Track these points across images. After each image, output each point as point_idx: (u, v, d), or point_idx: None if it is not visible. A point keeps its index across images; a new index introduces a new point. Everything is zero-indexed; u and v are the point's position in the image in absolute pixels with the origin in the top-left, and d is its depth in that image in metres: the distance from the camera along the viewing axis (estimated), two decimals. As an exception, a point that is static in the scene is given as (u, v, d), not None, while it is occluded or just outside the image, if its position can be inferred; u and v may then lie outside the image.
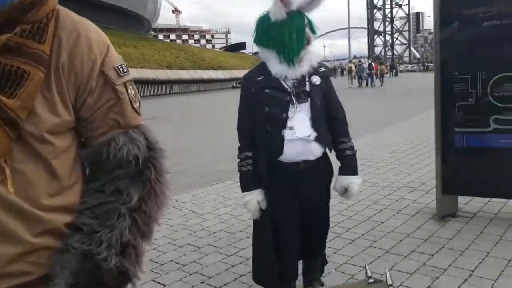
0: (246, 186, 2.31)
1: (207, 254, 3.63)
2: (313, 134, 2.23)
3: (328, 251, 3.45)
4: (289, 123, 2.20)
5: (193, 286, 3.11)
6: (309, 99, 2.25)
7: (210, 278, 3.21)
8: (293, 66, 2.20)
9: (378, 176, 5.72)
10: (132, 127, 1.05)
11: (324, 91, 2.30)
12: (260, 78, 2.27)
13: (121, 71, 1.03)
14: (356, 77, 31.44)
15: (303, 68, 2.24)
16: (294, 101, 2.22)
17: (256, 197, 2.27)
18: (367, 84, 30.51)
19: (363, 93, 24.59)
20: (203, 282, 3.15)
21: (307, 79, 2.27)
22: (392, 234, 3.75)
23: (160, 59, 32.78)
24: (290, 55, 2.18)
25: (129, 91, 1.05)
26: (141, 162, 1.03)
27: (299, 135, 2.20)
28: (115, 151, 1.01)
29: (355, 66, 32.86)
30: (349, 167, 2.41)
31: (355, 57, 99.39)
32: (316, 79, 2.27)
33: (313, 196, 2.37)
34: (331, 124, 2.36)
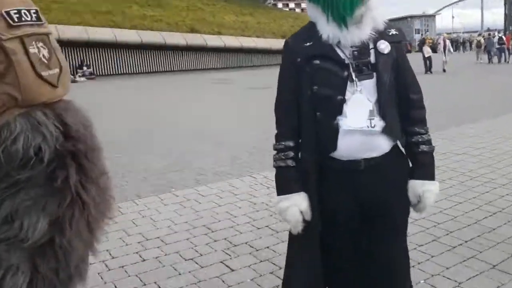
0: (284, 187, 1.71)
1: (283, 241, 3.38)
2: (379, 124, 1.63)
3: (419, 256, 3.02)
4: (345, 108, 1.61)
5: (261, 275, 2.89)
6: (374, 74, 1.63)
7: (280, 269, 2.95)
8: (345, 28, 1.60)
9: (498, 171, 4.93)
10: (39, 105, 0.70)
11: (395, 63, 1.67)
12: (308, 43, 1.65)
13: (15, 19, 0.67)
14: (486, 52, 28.35)
15: (364, 31, 1.62)
16: (354, 77, 1.61)
17: (298, 204, 1.66)
18: (499, 61, 27.38)
19: (491, 70, 22.04)
20: (272, 273, 2.91)
21: (371, 46, 1.65)
22: (502, 246, 3.13)
23: (275, 28, 32.61)
24: (340, 12, 1.58)
25: (31, 50, 0.68)
26: (47, 158, 0.68)
27: (359, 124, 1.61)
28: (6, 143, 0.67)
29: (484, 39, 29.62)
30: (426, 168, 1.74)
31: (488, 30, 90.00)
32: (384, 46, 1.65)
33: (381, 206, 1.71)
34: (403, 107, 1.72)
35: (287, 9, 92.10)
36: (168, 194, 4.52)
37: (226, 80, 18.31)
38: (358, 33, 1.61)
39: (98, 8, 22.99)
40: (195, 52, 24.83)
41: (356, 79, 1.61)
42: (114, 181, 4.29)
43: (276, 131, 1.76)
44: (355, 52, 1.63)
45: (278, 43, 29.28)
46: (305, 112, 1.67)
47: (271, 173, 4.95)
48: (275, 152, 1.74)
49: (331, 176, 1.68)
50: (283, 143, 1.71)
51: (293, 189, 1.68)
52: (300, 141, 1.71)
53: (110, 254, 3.28)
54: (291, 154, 1.70)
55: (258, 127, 7.82)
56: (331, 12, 1.59)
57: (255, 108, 10.28)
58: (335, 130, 1.62)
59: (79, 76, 19.52)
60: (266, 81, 17.26)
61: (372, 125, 1.62)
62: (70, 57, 20.35)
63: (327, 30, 1.61)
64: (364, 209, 1.71)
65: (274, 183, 4.98)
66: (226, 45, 25.98)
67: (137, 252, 3.31)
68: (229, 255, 3.19)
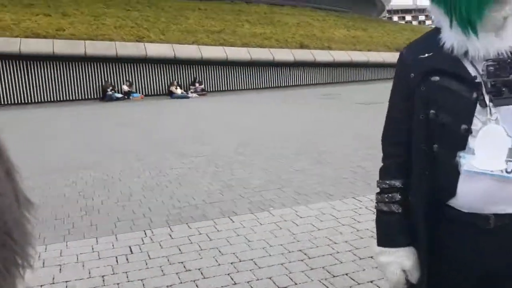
0: (385, 238, 1.35)
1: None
2: None
3: None
4: (471, 142, 1.19)
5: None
6: None
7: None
8: (474, 36, 1.17)
9: None
10: None
11: None
12: (426, 54, 1.27)
13: None
14: None
15: (505, 39, 1.18)
16: (487, 101, 1.18)
17: (400, 261, 1.30)
18: None
19: None
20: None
21: None
22: None
23: (389, 41, 31.40)
24: (463, 14, 1.17)
25: None
26: None
27: (491, 166, 1.17)
28: None
29: None
30: None
31: None
32: None
33: None
34: None
35: (403, 22, 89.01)
36: (265, 213, 4.32)
37: (334, 95, 17.92)
38: (496, 42, 1.18)
39: (212, 27, 24.06)
40: (303, 68, 24.78)
41: (491, 104, 1.18)
42: (213, 196, 4.15)
43: (382, 163, 1.39)
44: (491, 68, 1.19)
45: (391, 56, 28.18)
46: (418, 143, 1.28)
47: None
48: (378, 190, 1.38)
49: (446, 229, 1.27)
50: (387, 181, 1.34)
51: (397, 242, 1.31)
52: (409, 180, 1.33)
53: (202, 274, 3.16)
54: (397, 197, 1.32)
55: (363, 145, 7.36)
56: (455, 14, 1.20)
57: (361, 125, 9.80)
58: (454, 171, 1.21)
59: (191, 92, 20.48)
60: (376, 96, 16.55)
61: (510, 170, 1.16)
62: (185, 74, 21.49)
63: (451, 37, 1.22)
64: (490, 277, 1.27)
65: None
66: (335, 59, 25.55)
67: (228, 274, 3.14)
68: (327, 287, 2.87)
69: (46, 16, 20.70)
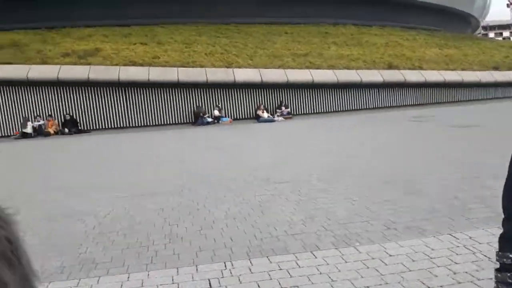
0: None
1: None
2: None
3: None
4: None
5: None
6: None
7: None
8: None
9: None
10: None
11: None
12: None
13: None
14: None
15: None
16: None
17: None
18: None
19: None
20: None
21: None
22: None
23: (485, 59, 29.37)
24: None
25: None
26: None
27: None
28: None
29: None
30: None
31: None
32: None
33: None
34: None
35: (500, 39, 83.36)
36: (350, 249, 4.05)
37: (426, 117, 16.98)
38: None
39: (298, 51, 24.15)
40: (392, 89, 23.93)
41: None
42: (295, 227, 3.98)
43: (502, 229, 1.05)
44: None
45: (488, 76, 26.34)
46: None
47: (479, 234, 4.09)
48: (497, 264, 1.05)
49: None
50: (510, 255, 1.02)
51: None
52: None
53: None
54: None
55: (461, 173, 6.76)
56: None
57: (458, 150, 9.07)
58: None
59: (277, 116, 20.58)
60: (473, 118, 15.44)
61: None
62: (271, 98, 21.69)
63: None
64: None
65: (482, 248, 4.06)
66: (427, 79, 24.38)
67: (309, 318, 2.93)
68: None
69: (143, 45, 22.13)
